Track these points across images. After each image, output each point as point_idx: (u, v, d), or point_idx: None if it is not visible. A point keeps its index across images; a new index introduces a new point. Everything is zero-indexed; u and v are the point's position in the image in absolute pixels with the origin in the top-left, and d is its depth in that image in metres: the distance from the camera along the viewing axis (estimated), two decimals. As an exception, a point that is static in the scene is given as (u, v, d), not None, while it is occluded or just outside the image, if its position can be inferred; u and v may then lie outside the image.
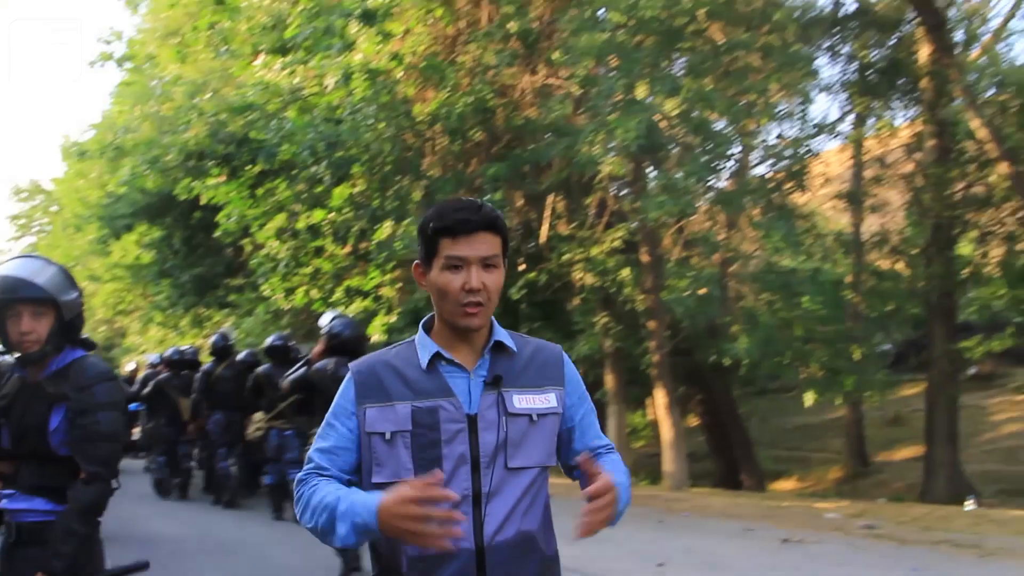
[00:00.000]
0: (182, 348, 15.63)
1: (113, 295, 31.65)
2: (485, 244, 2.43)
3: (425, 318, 2.59)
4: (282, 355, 11.42)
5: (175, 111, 16.64)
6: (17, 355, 3.61)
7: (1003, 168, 15.93)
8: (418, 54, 13.96)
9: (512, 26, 13.34)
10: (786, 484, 22.48)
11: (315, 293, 18.11)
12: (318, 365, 8.06)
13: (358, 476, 2.53)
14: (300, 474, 2.53)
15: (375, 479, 2.45)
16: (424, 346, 2.52)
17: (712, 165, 13.13)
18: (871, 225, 23.40)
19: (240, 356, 13.74)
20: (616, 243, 14.97)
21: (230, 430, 13.02)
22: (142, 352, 31.31)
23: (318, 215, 16.41)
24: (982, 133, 15.50)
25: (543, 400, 2.54)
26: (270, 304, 19.75)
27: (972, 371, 25.59)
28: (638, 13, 12.68)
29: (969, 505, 16.24)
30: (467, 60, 14.04)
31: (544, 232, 15.75)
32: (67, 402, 3.53)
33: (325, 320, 8.39)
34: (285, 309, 19.99)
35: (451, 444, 2.41)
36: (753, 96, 13.24)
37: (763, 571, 8.41)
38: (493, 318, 2.55)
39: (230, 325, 24.86)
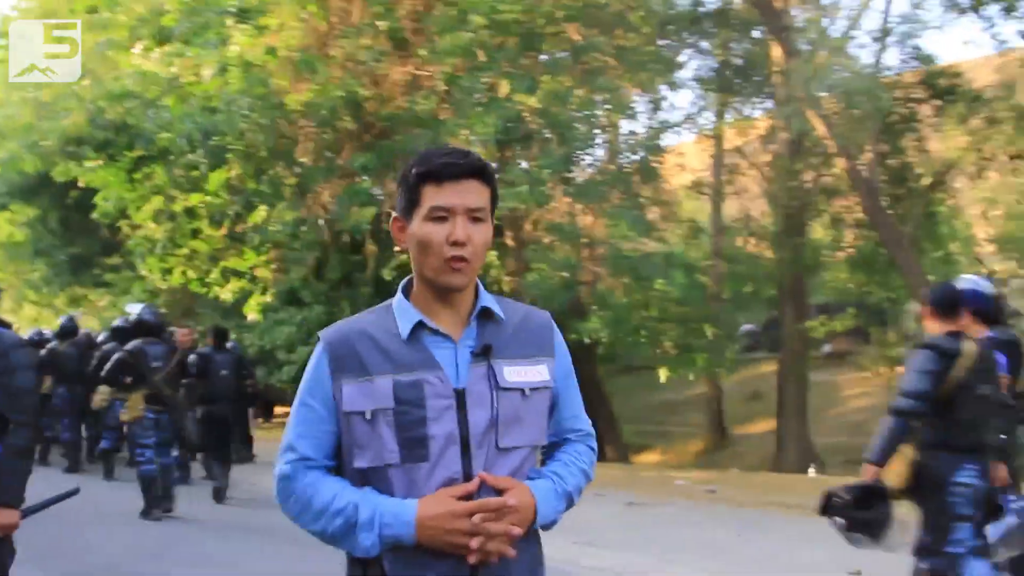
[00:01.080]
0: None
1: (-14, 273, 31.62)
2: (473, 193, 2.26)
3: (404, 281, 2.40)
4: (154, 329, 10.98)
5: (53, 97, 17.27)
6: None
7: (841, 163, 17.53)
8: (292, 48, 14.88)
9: (382, 24, 14.37)
10: (649, 457, 24.00)
11: (191, 273, 18.95)
12: (129, 345, 10.13)
13: (338, 460, 2.35)
14: (284, 467, 2.33)
15: (357, 463, 2.27)
16: (404, 313, 2.31)
17: (569, 158, 14.34)
18: (734, 210, 25.13)
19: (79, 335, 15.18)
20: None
21: (74, 402, 14.23)
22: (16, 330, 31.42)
23: (195, 198, 17.25)
24: (821, 130, 17.05)
25: (536, 372, 2.36)
26: (147, 283, 20.51)
27: (827, 350, 27.48)
28: (499, 16, 13.84)
29: (811, 473, 17.90)
30: (339, 55, 15.02)
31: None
32: None
33: (135, 310, 10.03)
34: (162, 289, 20.76)
35: (438, 422, 2.23)
36: (606, 95, 14.50)
37: (602, 530, 9.44)
38: (479, 281, 2.39)
39: (106, 303, 25.52)
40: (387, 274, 16.76)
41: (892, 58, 23.57)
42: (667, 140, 18.67)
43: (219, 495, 11.54)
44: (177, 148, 15.43)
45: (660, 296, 17.00)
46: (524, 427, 2.32)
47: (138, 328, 10.79)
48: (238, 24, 14.55)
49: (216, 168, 16.00)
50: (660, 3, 17.16)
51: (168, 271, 18.90)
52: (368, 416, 2.23)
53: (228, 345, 12.95)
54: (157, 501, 10.18)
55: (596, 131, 15.40)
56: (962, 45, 47.55)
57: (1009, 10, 16.46)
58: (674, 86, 17.93)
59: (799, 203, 20.50)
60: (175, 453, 11.35)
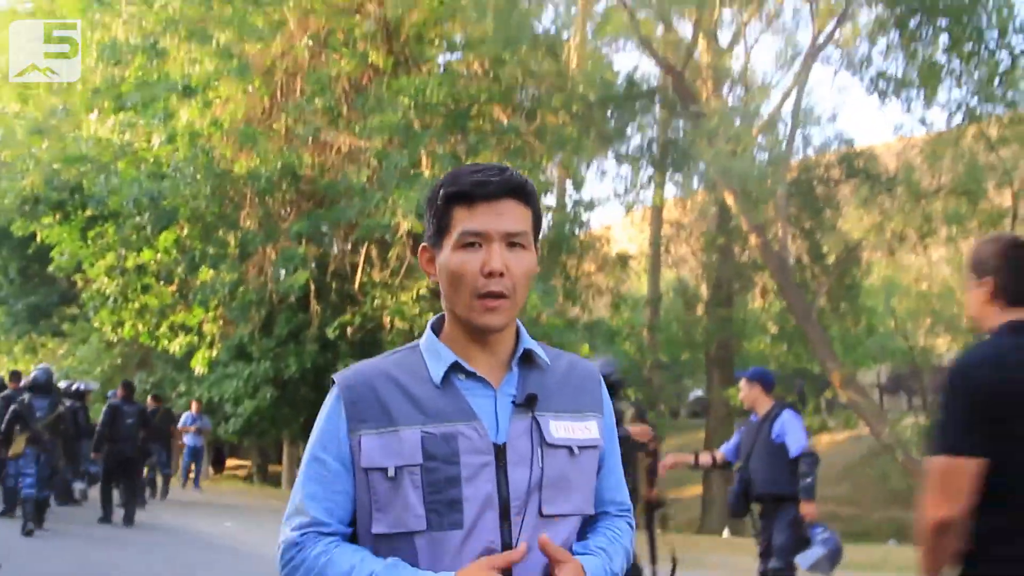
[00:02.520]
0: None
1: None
2: (510, 216, 2.01)
3: (434, 318, 2.16)
4: (43, 387, 13.99)
5: (13, 158, 18.85)
6: None
7: (753, 239, 19.11)
8: (237, 119, 16.43)
9: (319, 102, 15.96)
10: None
11: (141, 327, 20.35)
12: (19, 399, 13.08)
13: (354, 526, 2.06)
14: (291, 534, 2.03)
15: (375, 529, 1.99)
16: (436, 354, 2.06)
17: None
18: (671, 281, 26.77)
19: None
20: (423, 290, 17.56)
21: None
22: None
23: (146, 255, 18.72)
24: (735, 208, 18.67)
25: (584, 429, 2.09)
26: (102, 335, 21.93)
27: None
28: (425, 98, 15.46)
29: (725, 534, 19.28)
30: (280, 127, 16.59)
31: (358, 277, 18.27)
32: None
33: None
34: (117, 340, 22.19)
35: (474, 482, 1.95)
36: (525, 172, 16.04)
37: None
38: (519, 322, 2.12)
39: (64, 352, 26.91)
40: (330, 332, 18.07)
41: (817, 138, 25.20)
42: (599, 215, 20.33)
43: (128, 519, 14.32)
44: (125, 211, 16.96)
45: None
46: (572, 492, 2.04)
47: (32, 386, 13.84)
48: (184, 99, 16.08)
49: (164, 229, 17.48)
50: (591, 85, 18.78)
51: (120, 324, 20.30)
52: (391, 474, 1.95)
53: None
54: (31, 518, 12.75)
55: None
56: (888, 127, 49.72)
57: (929, 97, 18.03)
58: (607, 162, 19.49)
59: (727, 275, 22.16)
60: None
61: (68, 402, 14.61)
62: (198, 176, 16.19)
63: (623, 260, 20.17)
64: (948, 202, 18.07)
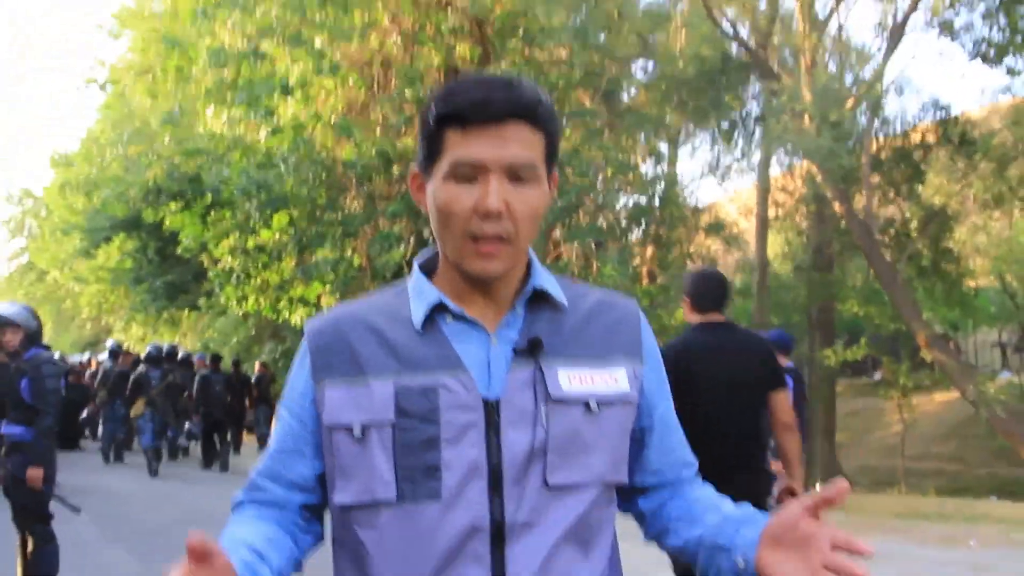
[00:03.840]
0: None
1: (98, 295, 35.74)
2: (516, 143, 1.63)
3: (422, 253, 1.87)
4: (155, 360, 18.75)
5: (138, 153, 21.09)
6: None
7: (837, 207, 19.99)
8: (337, 112, 18.10)
9: (408, 94, 17.49)
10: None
11: (263, 301, 22.35)
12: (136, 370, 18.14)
13: (323, 490, 1.79)
14: (237, 493, 1.85)
15: (338, 499, 1.71)
16: (420, 293, 1.74)
17: (565, 207, 17.12)
18: (778, 246, 27.67)
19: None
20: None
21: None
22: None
23: (265, 235, 20.66)
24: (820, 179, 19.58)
25: (608, 379, 1.72)
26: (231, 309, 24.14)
27: (877, 376, 29.53)
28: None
29: (818, 488, 20.18)
30: (377, 118, 18.23)
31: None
32: (27, 375, 7.51)
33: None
34: (251, 314, 24.40)
35: (457, 445, 1.63)
36: (599, 154, 17.32)
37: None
38: (532, 253, 1.78)
39: (204, 324, 29.51)
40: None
41: (913, 106, 25.62)
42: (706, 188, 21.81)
43: (224, 466, 18.56)
44: (237, 198, 18.90)
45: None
46: (589, 456, 1.69)
47: (147, 359, 18.85)
48: (284, 96, 17.85)
49: (275, 212, 19.33)
50: (678, 61, 19.81)
51: (243, 298, 22.35)
52: (357, 432, 1.65)
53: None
54: (151, 462, 17.47)
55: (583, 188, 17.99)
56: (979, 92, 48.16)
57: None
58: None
59: (826, 239, 23.00)
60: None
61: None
62: (301, 165, 18.00)
63: (716, 227, 21.18)
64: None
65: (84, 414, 22.66)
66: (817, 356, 23.19)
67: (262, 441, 21.40)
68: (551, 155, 1.72)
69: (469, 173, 1.64)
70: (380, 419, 1.65)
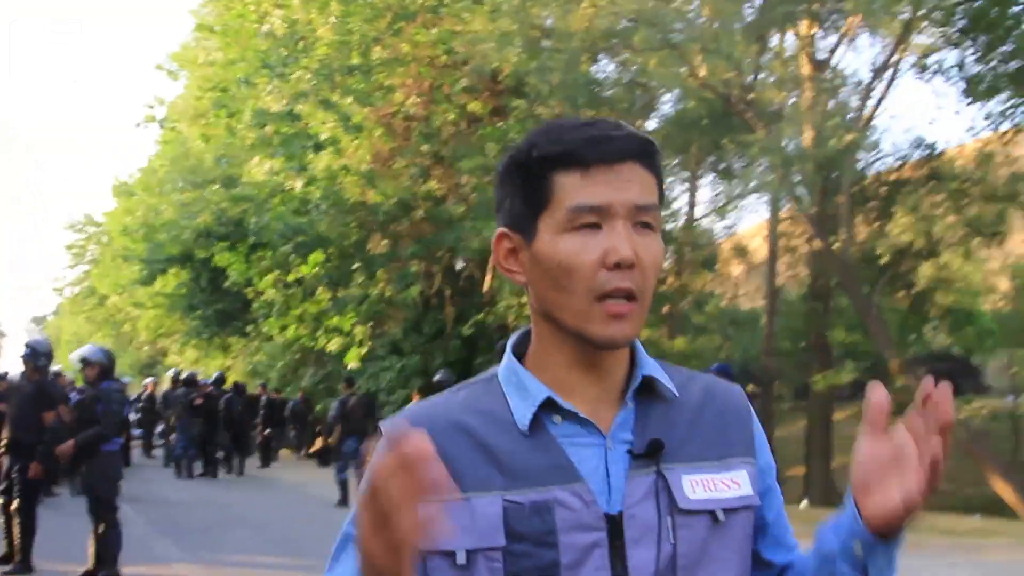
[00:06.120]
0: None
1: (154, 320, 38.87)
2: (639, 185, 1.44)
3: (514, 336, 1.61)
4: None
5: (191, 200, 24.39)
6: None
7: (815, 244, 22.42)
8: (365, 163, 20.98)
9: (425, 148, 20.38)
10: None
11: (302, 330, 25.35)
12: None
13: None
14: None
15: None
16: (520, 387, 1.50)
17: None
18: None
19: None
20: None
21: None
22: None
23: (303, 270, 23.64)
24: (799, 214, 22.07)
25: (730, 483, 1.51)
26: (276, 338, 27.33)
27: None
28: (510, 143, 19.59)
29: (802, 506, 22.25)
30: (398, 169, 21.12)
31: (488, 281, 22.67)
32: (101, 401, 10.27)
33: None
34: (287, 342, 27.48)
35: (578, 570, 1.40)
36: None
37: None
38: (636, 339, 1.53)
39: (253, 350, 32.78)
40: (465, 330, 22.52)
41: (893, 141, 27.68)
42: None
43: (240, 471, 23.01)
44: (276, 241, 21.96)
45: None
46: (717, 571, 1.48)
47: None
48: (315, 152, 20.85)
49: (310, 253, 22.32)
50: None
51: (284, 328, 25.38)
52: (461, 559, 1.40)
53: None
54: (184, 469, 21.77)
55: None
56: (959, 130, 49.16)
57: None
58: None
59: (821, 270, 25.37)
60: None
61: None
62: (332, 210, 21.00)
63: (741, 251, 23.74)
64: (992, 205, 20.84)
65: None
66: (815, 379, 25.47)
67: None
68: (661, 202, 1.50)
69: (593, 221, 1.41)
70: (488, 544, 1.39)
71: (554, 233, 1.44)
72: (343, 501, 16.80)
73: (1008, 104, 19.66)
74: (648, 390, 1.52)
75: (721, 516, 1.47)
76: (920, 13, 18.23)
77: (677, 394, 1.53)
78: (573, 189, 1.42)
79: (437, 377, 16.47)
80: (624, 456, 1.46)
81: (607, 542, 1.41)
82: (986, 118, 20.11)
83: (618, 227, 1.41)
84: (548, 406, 1.46)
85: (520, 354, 1.56)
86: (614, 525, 1.41)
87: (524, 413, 1.46)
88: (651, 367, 1.52)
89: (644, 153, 1.45)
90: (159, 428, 26.35)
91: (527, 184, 1.47)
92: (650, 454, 1.45)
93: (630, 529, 1.41)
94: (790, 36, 22.73)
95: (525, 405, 1.47)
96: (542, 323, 1.51)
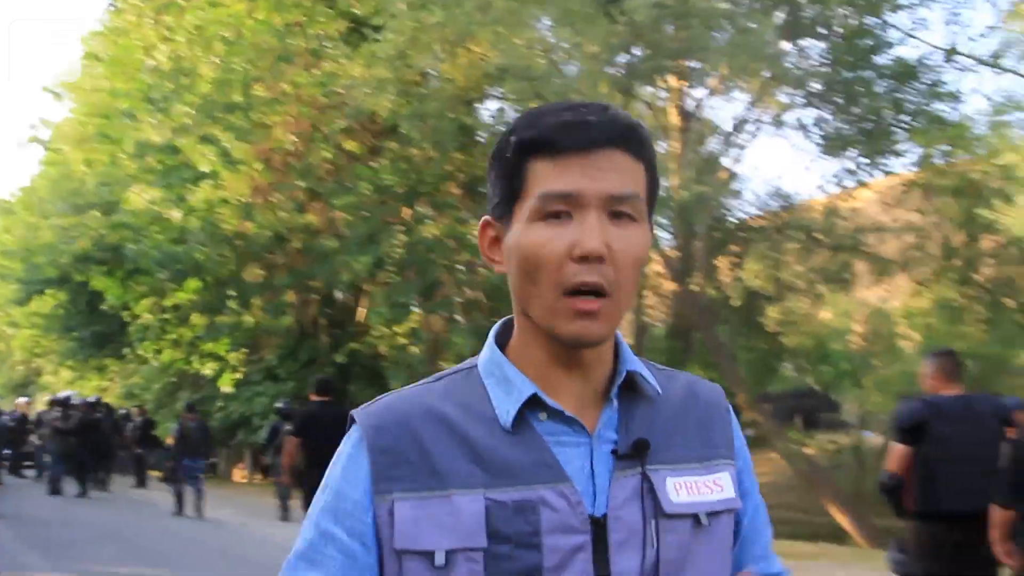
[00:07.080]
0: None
1: (30, 339, 38.63)
2: (615, 173, 1.38)
3: (497, 325, 1.55)
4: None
5: (68, 225, 25.21)
6: None
7: (669, 285, 23.96)
8: (243, 196, 21.98)
9: (301, 183, 21.49)
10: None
11: (178, 354, 26.24)
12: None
13: None
14: None
15: None
16: (504, 381, 1.45)
17: (428, 286, 21.09)
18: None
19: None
20: (417, 325, 22.96)
21: None
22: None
23: (180, 296, 24.54)
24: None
25: (713, 485, 1.48)
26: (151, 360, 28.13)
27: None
28: (382, 182, 20.84)
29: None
30: (277, 202, 22.17)
31: (363, 313, 23.80)
32: None
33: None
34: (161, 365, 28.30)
35: (561, 574, 1.36)
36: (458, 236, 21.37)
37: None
38: (619, 334, 1.50)
39: (128, 372, 33.30)
40: (338, 358, 23.62)
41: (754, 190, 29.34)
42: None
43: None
44: (153, 268, 22.89)
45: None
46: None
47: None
48: (194, 184, 21.83)
49: (184, 280, 23.34)
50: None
51: (159, 351, 26.26)
52: (440, 560, 1.35)
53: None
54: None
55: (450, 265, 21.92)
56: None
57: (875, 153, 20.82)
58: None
59: (682, 310, 26.84)
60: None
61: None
62: (210, 240, 21.99)
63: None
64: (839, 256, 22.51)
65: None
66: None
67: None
68: (653, 191, 1.45)
69: (562, 210, 1.36)
70: (469, 544, 1.33)
71: (525, 222, 1.38)
72: (179, 511, 18.65)
73: (857, 159, 21.15)
74: (631, 388, 1.46)
75: (704, 520, 1.43)
76: (774, 75, 19.67)
77: (660, 391, 1.48)
78: (544, 176, 1.37)
79: (278, 404, 18.81)
80: (608, 456, 1.40)
81: (591, 546, 1.35)
82: (834, 176, 21.48)
83: (589, 217, 1.35)
84: (533, 403, 1.40)
85: (502, 344, 1.49)
86: (598, 528, 1.36)
87: (508, 409, 1.40)
88: (635, 363, 1.46)
89: (626, 139, 1.39)
90: (32, 447, 26.76)
91: (504, 173, 1.42)
92: (635, 454, 1.40)
93: (615, 532, 1.37)
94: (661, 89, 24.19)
95: (509, 400, 1.40)
96: (521, 316, 1.45)
